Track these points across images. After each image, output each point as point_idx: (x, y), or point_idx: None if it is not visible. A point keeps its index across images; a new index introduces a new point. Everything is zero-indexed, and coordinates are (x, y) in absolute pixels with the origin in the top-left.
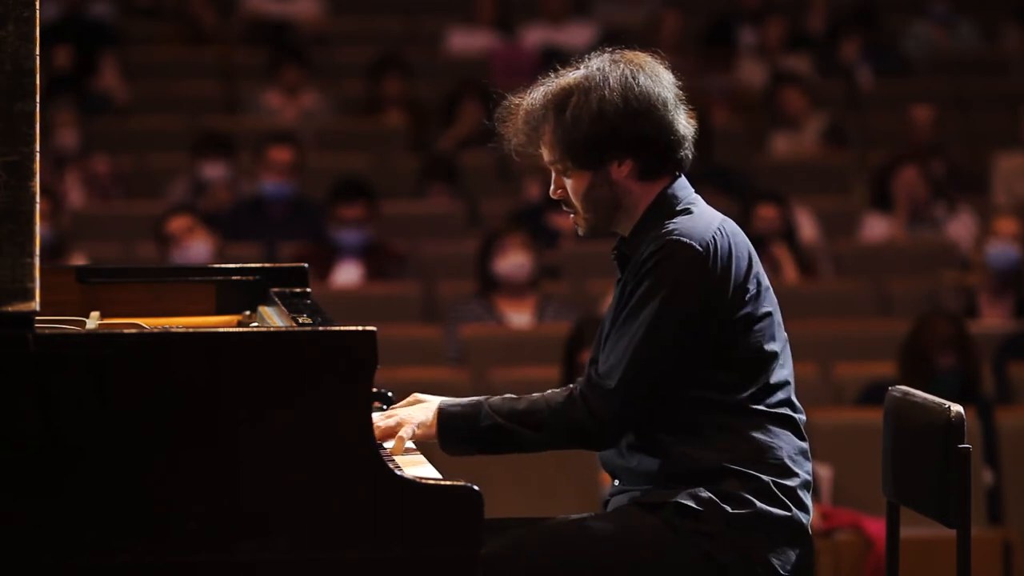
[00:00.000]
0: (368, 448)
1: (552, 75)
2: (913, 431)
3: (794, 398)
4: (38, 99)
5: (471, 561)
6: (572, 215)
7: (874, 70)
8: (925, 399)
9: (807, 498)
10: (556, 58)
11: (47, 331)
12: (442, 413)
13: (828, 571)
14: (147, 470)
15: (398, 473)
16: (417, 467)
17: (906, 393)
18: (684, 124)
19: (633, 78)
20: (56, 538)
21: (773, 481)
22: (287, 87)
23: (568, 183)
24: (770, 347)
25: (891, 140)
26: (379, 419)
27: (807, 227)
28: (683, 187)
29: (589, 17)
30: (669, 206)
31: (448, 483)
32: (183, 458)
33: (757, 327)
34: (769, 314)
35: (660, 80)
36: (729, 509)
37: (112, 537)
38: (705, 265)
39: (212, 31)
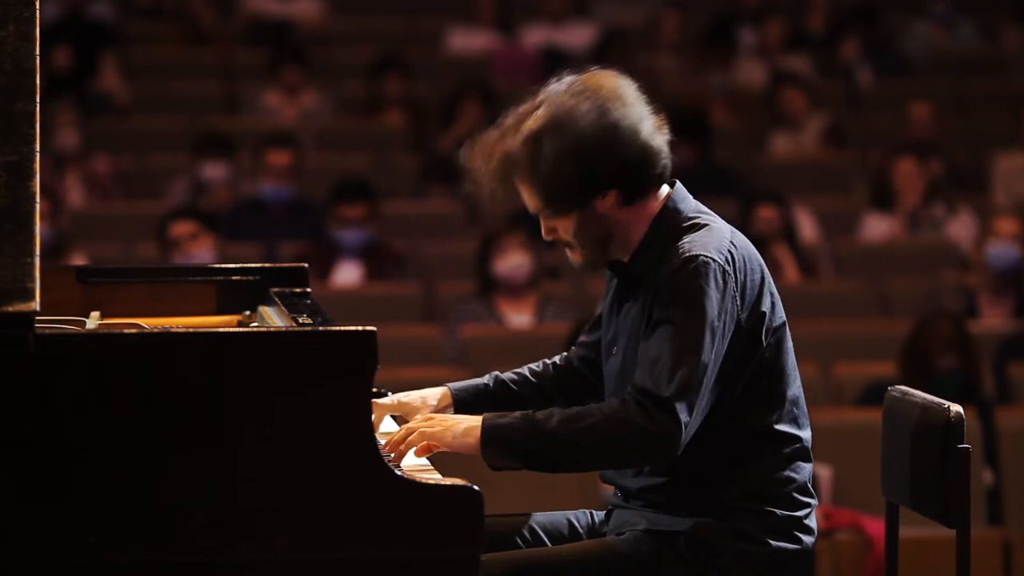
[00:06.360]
0: (368, 448)
1: (513, 115)
2: (913, 431)
3: (804, 409)
4: (38, 99)
5: (471, 561)
6: (569, 252)
7: (874, 70)
8: (925, 399)
9: (813, 520)
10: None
11: (47, 331)
12: (487, 424)
13: (828, 571)
14: (147, 470)
15: (398, 473)
16: (417, 467)
17: (906, 393)
18: (658, 136)
19: (602, 109)
20: (56, 538)
21: (787, 516)
22: (287, 87)
23: (557, 225)
24: (787, 358)
25: (891, 140)
26: (420, 423)
27: (807, 227)
28: (683, 198)
29: (589, 17)
30: (676, 221)
31: (448, 483)
32: (183, 458)
33: (775, 339)
34: (784, 324)
35: (626, 100)
36: (744, 546)
37: (112, 537)
38: (728, 280)
39: (212, 31)
